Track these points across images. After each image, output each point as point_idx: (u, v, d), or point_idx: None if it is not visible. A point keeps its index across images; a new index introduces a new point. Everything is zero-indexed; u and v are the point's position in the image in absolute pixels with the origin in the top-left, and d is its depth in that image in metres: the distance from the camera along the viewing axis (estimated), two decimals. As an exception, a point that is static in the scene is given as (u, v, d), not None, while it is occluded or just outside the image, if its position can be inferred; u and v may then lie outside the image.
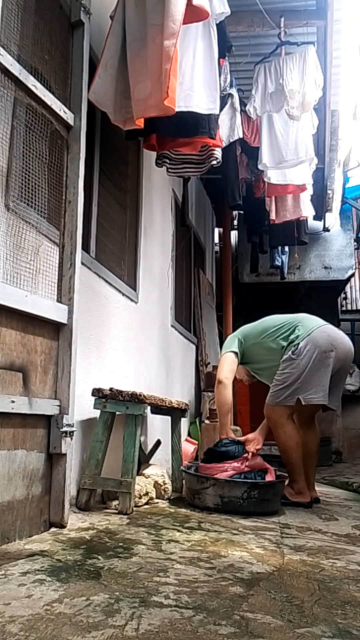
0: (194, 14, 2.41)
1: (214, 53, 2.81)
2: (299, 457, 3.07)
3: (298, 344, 3.07)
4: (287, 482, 3.07)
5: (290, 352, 3.07)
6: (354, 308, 10.73)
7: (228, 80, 3.91)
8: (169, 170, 3.61)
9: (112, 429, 2.59)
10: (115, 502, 2.52)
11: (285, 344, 3.15)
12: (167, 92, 2.28)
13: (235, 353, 3.27)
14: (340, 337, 3.17)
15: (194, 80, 2.71)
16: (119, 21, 2.60)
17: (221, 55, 3.01)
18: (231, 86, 3.97)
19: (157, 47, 2.35)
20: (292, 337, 3.13)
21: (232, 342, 3.32)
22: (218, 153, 3.32)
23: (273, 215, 5.01)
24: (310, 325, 3.13)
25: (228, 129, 3.95)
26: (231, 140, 3.99)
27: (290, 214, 5.06)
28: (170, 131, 2.91)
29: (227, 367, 3.24)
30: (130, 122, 2.60)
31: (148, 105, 2.41)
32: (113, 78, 2.57)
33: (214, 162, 3.35)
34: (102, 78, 2.55)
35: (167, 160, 3.46)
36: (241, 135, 4.07)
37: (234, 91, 3.97)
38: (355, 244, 8.87)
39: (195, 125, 2.79)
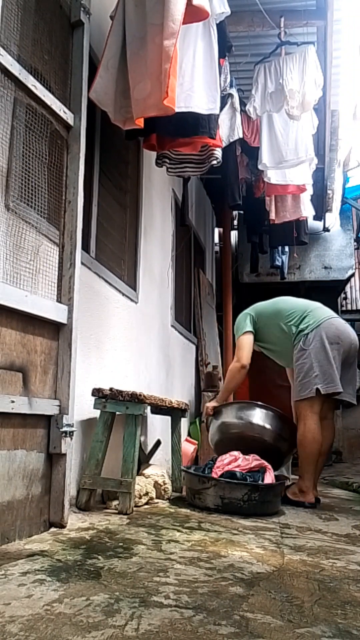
0: (194, 14, 2.41)
1: (214, 53, 2.81)
2: (313, 453, 3.04)
3: (307, 334, 3.14)
4: (286, 483, 3.07)
5: (301, 342, 3.16)
6: (354, 308, 10.72)
7: (228, 80, 3.91)
8: (169, 170, 3.61)
9: (112, 429, 2.59)
10: (115, 502, 2.52)
11: (295, 330, 3.23)
12: (166, 91, 2.28)
13: (252, 332, 3.36)
14: (347, 331, 3.22)
15: (194, 80, 2.71)
16: (119, 21, 2.60)
17: (221, 55, 3.01)
18: (231, 86, 3.97)
19: (156, 47, 2.35)
20: (302, 325, 3.20)
21: (245, 320, 3.37)
22: (218, 153, 3.32)
23: (273, 215, 5.01)
24: (321, 316, 3.19)
25: (228, 128, 3.95)
26: (231, 140, 3.99)
27: (290, 214, 5.06)
28: (170, 131, 2.91)
29: (248, 350, 3.32)
30: (130, 121, 2.60)
31: (147, 105, 2.42)
32: (114, 77, 2.57)
33: (214, 162, 3.36)
34: (103, 77, 2.55)
35: (167, 160, 3.46)
36: (241, 135, 4.07)
37: (234, 91, 3.97)
38: (355, 244, 8.86)
39: (195, 125, 2.79)
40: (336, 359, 3.07)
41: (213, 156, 3.33)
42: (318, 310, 3.25)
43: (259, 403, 3.27)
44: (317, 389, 3.02)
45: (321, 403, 3.09)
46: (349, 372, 3.21)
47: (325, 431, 3.16)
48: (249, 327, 3.33)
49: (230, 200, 4.28)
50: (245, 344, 3.32)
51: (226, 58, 3.42)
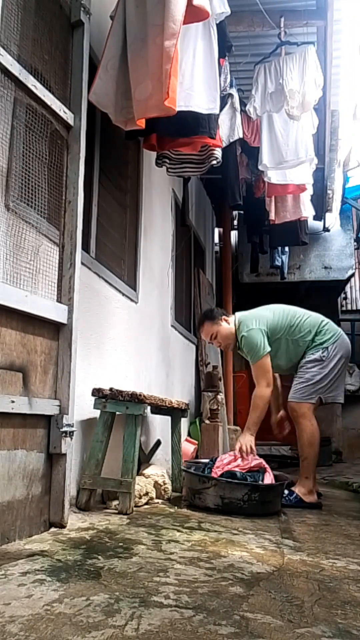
0: (194, 14, 2.41)
1: (214, 53, 2.81)
2: (317, 453, 3.19)
3: (327, 347, 3.23)
4: (285, 483, 3.07)
5: (318, 354, 3.22)
6: (354, 308, 10.73)
7: (228, 80, 3.90)
8: (169, 170, 3.61)
9: (112, 429, 2.59)
10: (115, 502, 2.52)
11: (310, 344, 3.26)
12: (167, 92, 2.28)
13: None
14: (349, 344, 3.38)
15: (194, 79, 2.71)
16: (120, 21, 2.60)
17: (221, 55, 3.01)
18: (231, 86, 3.96)
19: (157, 48, 2.35)
20: (318, 339, 3.26)
21: (263, 339, 3.19)
22: (218, 153, 3.32)
23: (273, 216, 5.01)
24: (336, 331, 3.31)
25: (228, 128, 3.95)
26: (231, 140, 3.99)
27: (290, 214, 5.06)
28: (170, 131, 2.91)
29: (271, 371, 3.23)
30: (132, 122, 2.60)
31: (149, 106, 2.41)
32: (114, 79, 2.57)
33: (214, 162, 3.35)
34: (103, 79, 2.55)
35: (167, 160, 3.46)
36: (241, 135, 4.07)
37: (234, 91, 3.97)
38: (355, 244, 8.87)
39: (195, 125, 2.79)
40: (343, 372, 3.29)
41: (213, 156, 3.33)
42: (331, 325, 3.34)
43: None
44: (320, 398, 3.20)
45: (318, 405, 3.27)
46: (344, 377, 3.40)
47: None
48: (268, 348, 3.20)
49: (230, 200, 4.28)
50: (269, 366, 3.21)
51: (226, 58, 3.42)
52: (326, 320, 3.39)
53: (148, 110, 2.43)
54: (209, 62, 2.78)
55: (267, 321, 3.27)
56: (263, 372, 3.18)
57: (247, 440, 3.02)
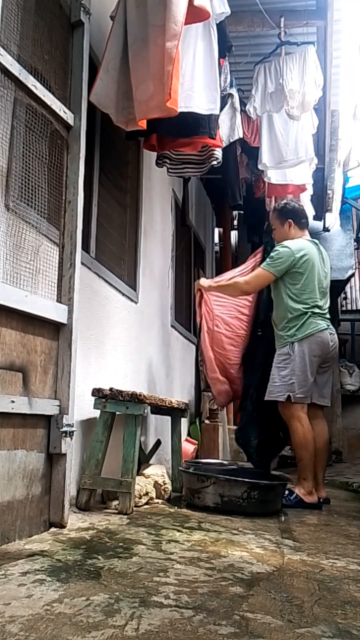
0: (195, 15, 2.40)
1: (214, 53, 2.81)
2: (312, 454, 3.07)
3: (294, 342, 3.11)
4: (288, 484, 3.07)
5: (287, 347, 3.14)
6: (354, 308, 10.73)
7: (228, 80, 3.91)
8: (170, 170, 3.61)
9: (112, 429, 2.59)
10: (115, 502, 2.52)
11: (289, 322, 3.14)
12: (169, 93, 2.28)
13: (275, 278, 3.20)
14: (330, 343, 3.20)
15: (194, 80, 2.71)
16: (120, 22, 2.60)
17: (221, 55, 3.01)
18: (231, 86, 3.96)
19: (158, 48, 2.35)
20: (293, 329, 3.13)
21: (283, 264, 3.15)
22: (218, 153, 3.32)
23: (273, 216, 5.00)
24: (311, 330, 3.13)
25: (228, 128, 3.95)
26: (231, 140, 3.99)
27: None
28: (171, 131, 2.91)
29: (260, 286, 3.32)
30: (133, 123, 2.59)
31: (150, 107, 2.41)
32: (115, 79, 2.57)
33: (215, 162, 3.35)
34: (104, 80, 2.55)
35: (168, 161, 3.46)
36: (241, 135, 4.07)
37: (234, 91, 3.97)
38: (355, 244, 8.86)
39: (196, 125, 2.79)
40: (313, 371, 3.12)
41: (213, 156, 3.33)
42: (316, 319, 3.16)
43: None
44: (289, 396, 3.06)
45: (305, 406, 3.13)
46: (324, 377, 3.25)
47: (319, 427, 3.20)
48: (277, 274, 3.16)
49: (230, 200, 4.28)
50: (263, 280, 3.22)
51: (226, 58, 3.42)
52: (317, 311, 3.19)
53: (149, 111, 2.43)
54: (209, 63, 2.78)
55: (302, 265, 3.17)
56: (257, 280, 3.25)
57: (205, 282, 3.54)
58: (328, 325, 3.22)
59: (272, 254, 3.23)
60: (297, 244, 3.22)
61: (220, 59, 3.03)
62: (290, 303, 3.17)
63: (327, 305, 3.30)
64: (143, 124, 2.58)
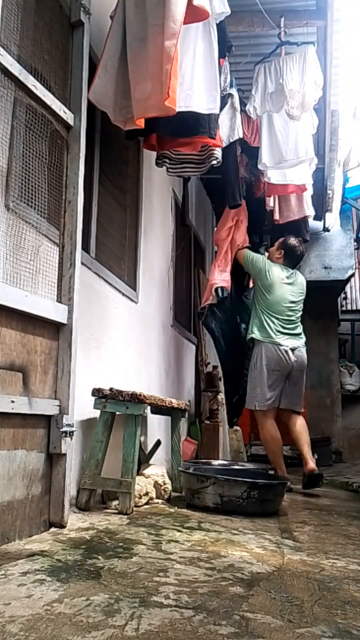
0: (194, 14, 2.40)
1: (214, 53, 2.80)
2: (274, 449, 3.74)
3: (254, 355, 3.82)
4: (288, 484, 3.15)
5: (252, 360, 3.84)
6: (354, 308, 10.71)
7: (228, 80, 3.90)
8: (169, 170, 3.60)
9: (112, 429, 2.59)
10: (115, 502, 2.52)
11: (255, 322, 3.90)
12: (167, 92, 2.28)
13: (253, 260, 4.07)
14: (278, 353, 3.76)
15: (194, 80, 2.71)
16: (119, 21, 2.60)
17: (221, 55, 3.00)
18: (231, 86, 3.95)
19: (157, 48, 2.34)
20: (258, 332, 3.84)
21: (258, 260, 4.05)
22: (218, 153, 3.31)
23: (277, 216, 4.99)
24: (267, 335, 3.78)
25: (228, 128, 3.94)
26: (231, 140, 3.98)
27: (294, 213, 5.04)
28: (170, 131, 2.91)
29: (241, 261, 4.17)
30: (131, 122, 2.59)
31: (148, 106, 2.41)
32: (113, 78, 2.56)
33: (214, 162, 3.34)
34: (102, 78, 2.55)
35: (167, 160, 3.45)
36: (241, 135, 4.05)
37: (234, 91, 3.96)
38: (355, 244, 8.86)
39: (195, 125, 2.78)
40: (274, 383, 3.75)
41: (213, 156, 3.32)
42: (271, 325, 3.82)
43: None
44: (255, 405, 3.76)
45: (273, 410, 3.79)
46: (295, 387, 3.86)
47: (294, 419, 3.82)
48: (252, 260, 4.06)
49: (230, 200, 4.27)
50: (245, 259, 4.10)
51: (226, 58, 3.41)
52: (271, 318, 3.82)
53: (147, 109, 2.43)
54: (209, 62, 2.77)
55: (270, 269, 3.93)
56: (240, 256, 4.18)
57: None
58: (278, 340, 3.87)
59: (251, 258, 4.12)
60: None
61: (220, 59, 3.03)
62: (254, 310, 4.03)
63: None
64: (141, 123, 2.58)
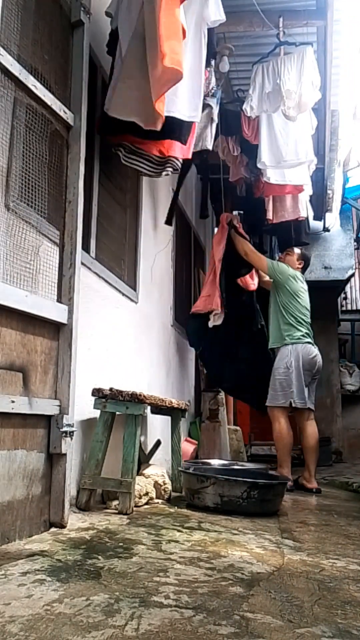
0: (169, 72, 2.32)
1: (202, 60, 2.77)
2: (286, 446, 3.89)
3: (286, 356, 3.95)
4: (289, 484, 3.16)
5: (282, 360, 3.95)
6: (354, 308, 10.71)
7: (212, 87, 3.80)
8: (124, 158, 3.33)
9: (112, 429, 2.59)
10: (115, 502, 2.52)
11: (284, 327, 4.05)
12: (161, 51, 2.20)
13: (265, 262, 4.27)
14: (316, 359, 4.00)
15: (178, 85, 2.64)
16: (124, 29, 2.56)
17: (206, 65, 2.94)
18: (213, 96, 3.84)
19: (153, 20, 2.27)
20: (288, 336, 4.01)
21: (271, 265, 4.26)
22: (177, 163, 3.08)
23: (270, 215, 5.00)
24: (298, 338, 3.99)
25: (197, 136, 3.77)
26: (197, 150, 3.76)
27: (288, 214, 5.05)
28: (142, 133, 2.75)
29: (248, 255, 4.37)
30: (159, 120, 2.50)
31: (162, 82, 2.30)
32: (133, 88, 2.50)
33: (170, 169, 3.08)
34: (121, 88, 2.50)
35: (122, 150, 3.15)
36: (210, 147, 3.87)
37: (213, 103, 3.82)
38: (355, 244, 8.85)
39: (170, 129, 2.70)
40: (305, 381, 3.93)
41: (171, 163, 3.05)
42: (300, 329, 4.02)
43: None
44: (291, 402, 3.86)
45: (290, 409, 3.93)
46: (312, 387, 4.05)
47: (309, 428, 3.94)
48: (277, 267, 4.20)
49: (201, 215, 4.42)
50: (269, 266, 4.24)
51: (210, 69, 3.34)
52: (299, 324, 4.02)
53: (162, 85, 2.33)
54: (196, 69, 2.73)
55: (283, 272, 4.18)
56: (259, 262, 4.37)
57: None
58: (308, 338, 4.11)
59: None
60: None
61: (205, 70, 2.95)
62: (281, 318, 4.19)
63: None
64: (161, 109, 2.42)
